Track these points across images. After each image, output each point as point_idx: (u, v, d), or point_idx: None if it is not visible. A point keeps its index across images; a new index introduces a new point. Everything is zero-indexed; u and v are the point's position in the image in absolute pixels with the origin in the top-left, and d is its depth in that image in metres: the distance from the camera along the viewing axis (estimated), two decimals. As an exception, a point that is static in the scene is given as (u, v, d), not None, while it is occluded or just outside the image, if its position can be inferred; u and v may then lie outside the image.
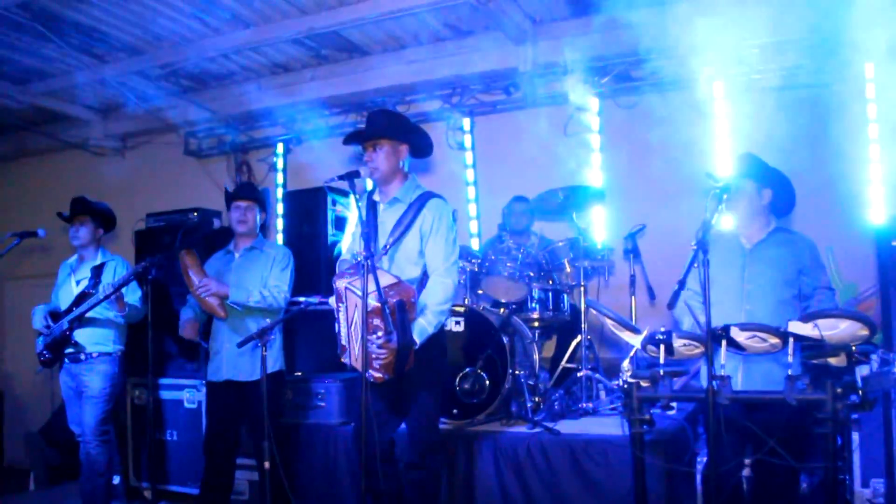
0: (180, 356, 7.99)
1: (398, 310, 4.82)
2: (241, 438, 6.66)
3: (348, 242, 5.78)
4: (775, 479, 5.07)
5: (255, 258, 6.65)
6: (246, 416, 6.50)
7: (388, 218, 5.33)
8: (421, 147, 5.59)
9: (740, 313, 5.19)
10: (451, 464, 6.41)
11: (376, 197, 5.46)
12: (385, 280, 4.93)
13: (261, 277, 6.51)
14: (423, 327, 5.08)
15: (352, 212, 5.77)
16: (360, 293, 4.79)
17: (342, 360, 5.25)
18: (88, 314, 6.74)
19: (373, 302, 4.81)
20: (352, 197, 5.33)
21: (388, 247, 5.25)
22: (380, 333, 4.85)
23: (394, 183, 5.44)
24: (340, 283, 5.09)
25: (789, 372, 4.57)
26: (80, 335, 6.87)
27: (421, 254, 5.30)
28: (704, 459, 5.74)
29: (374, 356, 4.91)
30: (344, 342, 5.16)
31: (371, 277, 4.71)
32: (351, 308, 4.96)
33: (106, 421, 7.00)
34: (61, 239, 7.52)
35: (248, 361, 6.30)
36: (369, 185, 5.78)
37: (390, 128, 5.39)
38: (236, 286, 6.38)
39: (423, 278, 5.33)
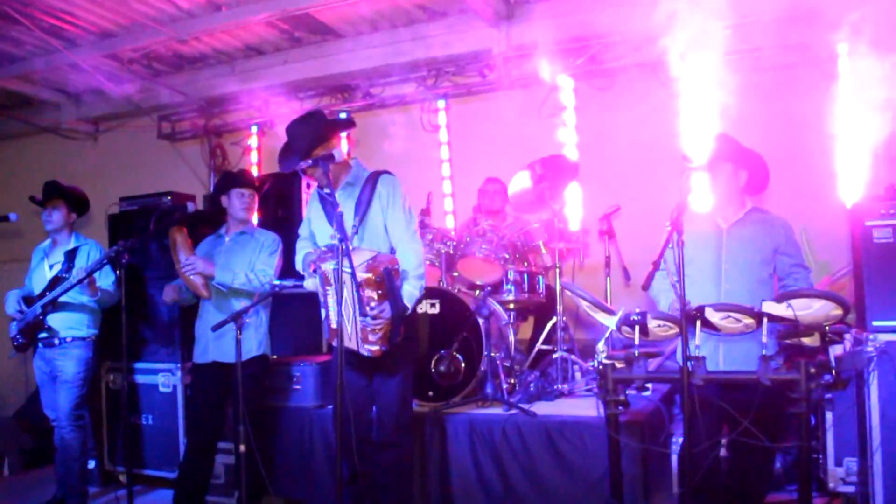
0: (155, 340, 7.94)
1: (387, 277, 4.98)
2: (224, 422, 6.66)
3: (306, 234, 5.85)
4: (750, 459, 5.10)
5: (245, 242, 6.65)
6: (230, 397, 6.49)
7: (346, 202, 5.39)
8: (346, 127, 5.70)
9: (719, 293, 5.20)
10: (426, 446, 6.43)
11: (326, 190, 5.46)
12: (363, 255, 5.04)
13: (248, 262, 6.51)
14: (410, 292, 5.27)
15: (310, 203, 5.77)
16: (349, 270, 4.85)
17: (332, 343, 5.27)
18: (62, 298, 6.71)
19: (362, 274, 4.93)
20: (312, 188, 5.41)
21: (356, 227, 5.34)
22: (373, 304, 4.97)
23: (342, 172, 5.54)
24: (326, 266, 5.11)
25: (763, 352, 4.59)
26: (54, 319, 6.84)
27: (385, 228, 5.45)
28: (680, 440, 5.76)
29: (369, 329, 5.01)
30: (334, 324, 5.15)
31: (355, 252, 4.86)
32: (343, 290, 4.95)
33: (80, 405, 6.98)
34: (34, 223, 7.46)
35: (231, 343, 6.28)
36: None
37: (315, 137, 5.38)
38: (223, 267, 6.38)
39: (391, 251, 5.46)
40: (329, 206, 5.39)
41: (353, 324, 5.07)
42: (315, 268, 5.24)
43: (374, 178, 5.50)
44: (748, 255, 5.26)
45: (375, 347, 5.07)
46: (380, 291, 5.00)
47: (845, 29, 7.34)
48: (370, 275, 4.93)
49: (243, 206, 6.69)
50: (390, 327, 5.09)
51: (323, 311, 5.35)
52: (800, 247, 5.44)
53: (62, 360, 6.89)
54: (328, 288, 5.19)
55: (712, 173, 5.34)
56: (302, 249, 5.76)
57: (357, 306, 4.97)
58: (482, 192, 8.50)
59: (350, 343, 5.14)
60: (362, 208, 5.42)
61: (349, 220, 5.30)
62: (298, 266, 5.69)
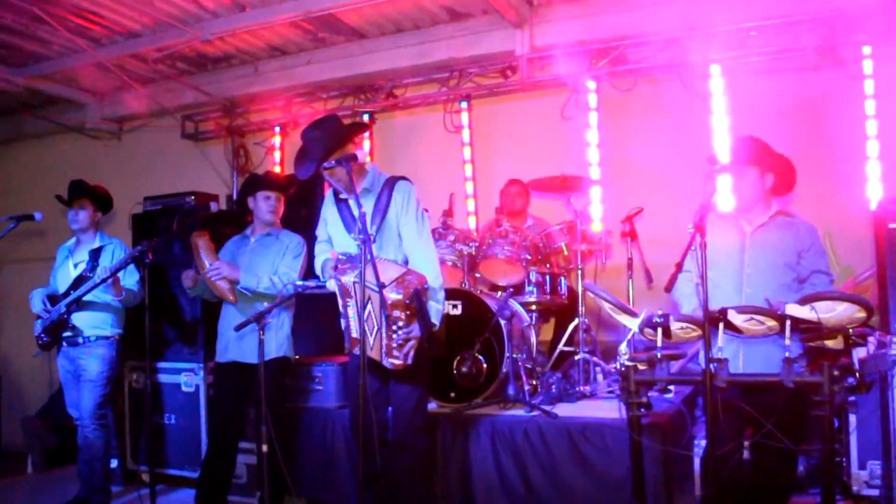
0: (178, 340, 7.98)
1: (417, 298, 4.97)
2: (245, 422, 6.68)
3: (325, 236, 5.83)
4: (773, 462, 5.08)
5: (270, 244, 6.68)
6: (252, 398, 6.53)
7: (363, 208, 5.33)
8: (361, 130, 5.70)
9: (740, 297, 5.16)
10: (447, 447, 6.44)
11: (342, 195, 5.49)
12: (393, 270, 5.03)
13: (272, 264, 6.53)
14: (436, 308, 5.31)
15: (326, 206, 5.78)
16: (376, 288, 4.83)
17: (353, 352, 5.28)
18: (86, 298, 6.75)
19: (392, 294, 4.90)
20: (329, 193, 5.45)
21: (374, 235, 5.30)
22: (400, 323, 4.97)
23: (358, 178, 5.50)
24: (346, 279, 5.10)
25: (787, 354, 4.57)
26: (78, 319, 6.88)
27: (400, 235, 5.44)
28: (703, 442, 5.74)
29: (395, 345, 5.01)
30: (355, 335, 5.16)
31: (379, 267, 4.78)
32: (364, 300, 4.94)
33: (104, 405, 7.01)
34: (58, 222, 7.50)
35: (252, 343, 6.29)
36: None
37: (332, 143, 5.38)
38: (247, 271, 6.41)
39: (406, 259, 5.46)
40: (347, 211, 5.41)
41: (376, 337, 5.08)
42: (335, 276, 5.24)
43: (392, 183, 5.49)
44: (771, 259, 5.21)
45: (399, 361, 5.06)
46: (408, 312, 4.99)
47: (870, 30, 7.32)
48: (400, 296, 4.92)
49: (269, 209, 6.70)
50: (418, 344, 5.10)
51: (343, 322, 5.33)
52: (825, 252, 5.36)
53: (86, 360, 6.92)
54: (348, 300, 5.17)
55: (737, 176, 5.31)
56: (321, 254, 5.75)
57: (383, 319, 4.97)
58: (504, 193, 8.50)
59: (372, 353, 5.13)
60: (379, 215, 5.40)
61: (367, 225, 5.28)
62: (318, 270, 5.69)
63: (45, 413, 9.39)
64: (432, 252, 5.51)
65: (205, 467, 6.59)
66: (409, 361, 5.09)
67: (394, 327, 4.98)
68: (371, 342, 5.10)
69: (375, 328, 5.05)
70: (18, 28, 8.51)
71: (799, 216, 5.42)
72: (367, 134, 9.50)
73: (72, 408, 7.09)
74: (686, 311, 5.35)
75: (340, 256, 5.31)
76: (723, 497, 4.95)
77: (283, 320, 6.60)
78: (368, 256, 4.68)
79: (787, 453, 4.87)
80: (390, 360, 5.06)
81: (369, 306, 4.97)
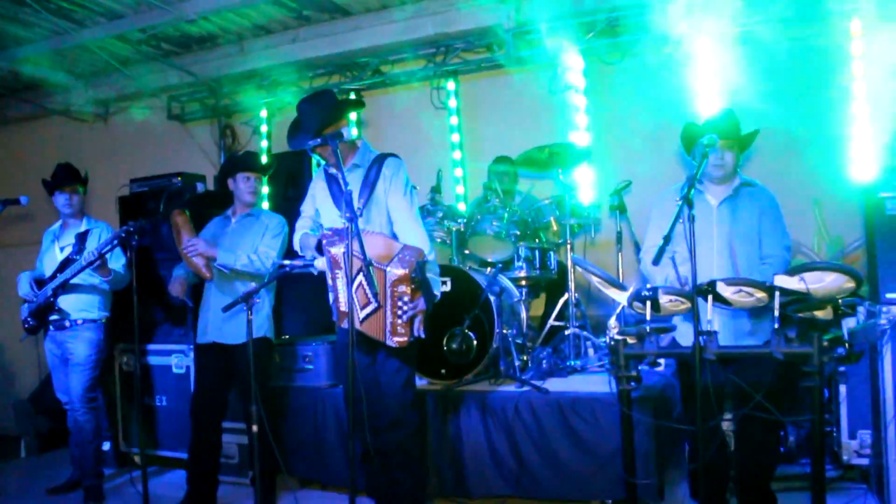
0: (167, 321, 7.98)
1: (420, 270, 5.01)
2: (228, 402, 6.68)
3: (310, 212, 5.85)
4: (756, 433, 5.11)
5: (250, 225, 6.66)
6: (234, 379, 6.53)
7: (352, 183, 5.34)
8: (356, 107, 5.73)
9: (711, 270, 5.17)
10: (438, 424, 6.44)
11: (332, 170, 5.48)
12: (381, 242, 5.12)
13: (252, 244, 6.50)
14: (434, 280, 5.34)
15: (315, 182, 5.79)
16: (380, 265, 4.96)
17: (342, 325, 5.28)
18: (73, 281, 6.72)
19: (396, 270, 4.94)
20: (319, 167, 5.48)
21: (360, 208, 5.30)
22: (406, 298, 5.01)
23: (349, 153, 5.57)
24: (336, 250, 5.09)
25: (776, 326, 4.57)
26: (65, 302, 6.86)
27: (388, 210, 5.47)
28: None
29: (400, 323, 5.04)
30: (344, 308, 5.16)
31: (366, 240, 4.84)
32: (353, 272, 4.93)
33: (93, 388, 7.00)
34: (45, 206, 7.47)
35: (232, 324, 6.31)
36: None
37: (325, 118, 5.42)
38: (226, 249, 6.38)
39: (394, 235, 5.47)
40: (336, 186, 5.40)
41: (372, 314, 5.12)
42: (324, 251, 5.23)
43: (381, 160, 5.52)
44: (738, 231, 5.28)
45: (403, 339, 5.10)
46: (413, 286, 5.01)
47: (859, 5, 7.30)
48: (405, 271, 4.94)
49: (249, 190, 6.69)
50: (423, 318, 5.13)
51: (331, 295, 5.34)
52: (781, 219, 5.41)
53: (73, 343, 6.90)
54: (337, 271, 5.17)
55: (720, 150, 5.29)
56: (300, 229, 5.78)
57: (368, 288, 4.96)
58: (494, 170, 8.46)
59: (362, 328, 5.15)
60: (367, 190, 5.42)
61: (354, 202, 5.27)
62: (296, 245, 5.73)
63: (36, 397, 9.38)
64: (422, 227, 5.53)
65: (191, 450, 6.59)
66: (412, 339, 5.13)
67: (399, 303, 5.01)
68: (360, 316, 5.12)
69: (373, 305, 5.06)
70: (0, 11, 8.45)
71: (759, 184, 5.44)
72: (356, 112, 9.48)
73: (60, 392, 7.08)
74: (660, 282, 5.35)
75: (327, 231, 5.29)
76: (709, 469, 4.98)
77: (265, 301, 6.59)
78: (354, 231, 4.69)
79: (769, 424, 4.88)
80: (395, 338, 5.09)
81: (360, 277, 4.98)
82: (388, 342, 5.13)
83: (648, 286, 4.97)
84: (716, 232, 5.30)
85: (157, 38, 9.50)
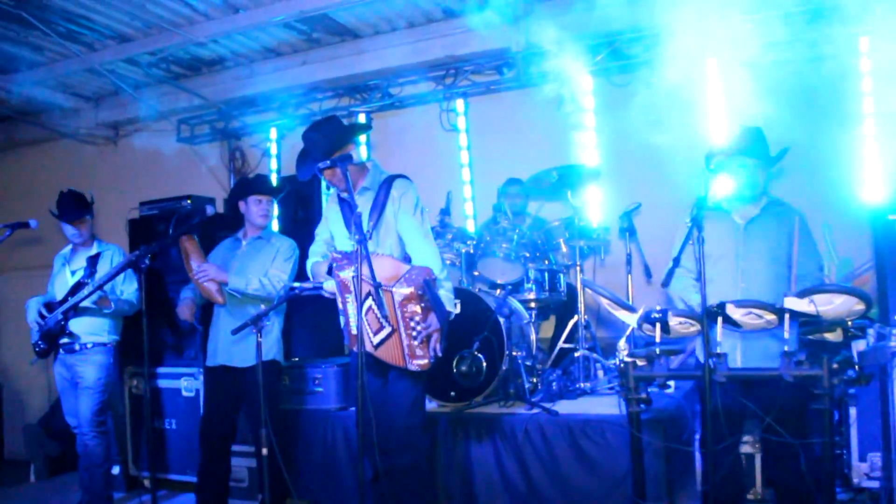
0: (177, 344, 7.98)
1: (428, 288, 4.99)
2: (237, 425, 6.68)
3: (325, 235, 5.84)
4: (778, 456, 5.08)
5: (261, 248, 6.68)
6: (243, 402, 6.54)
7: (363, 205, 5.36)
8: (362, 130, 5.77)
9: (736, 291, 5.17)
10: (448, 446, 6.43)
11: (344, 194, 5.47)
12: (390, 264, 5.11)
13: (263, 267, 6.52)
14: (447, 297, 5.28)
15: (329, 205, 5.80)
16: (387, 287, 4.95)
17: (353, 349, 5.26)
18: (83, 304, 6.71)
19: (403, 289, 4.94)
20: (332, 191, 5.49)
21: (370, 231, 5.30)
22: (417, 318, 4.98)
23: (359, 176, 5.57)
24: (345, 275, 5.10)
25: (786, 348, 4.56)
26: (75, 325, 6.85)
27: (398, 232, 5.45)
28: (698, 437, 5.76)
29: (417, 344, 5.03)
30: (355, 332, 5.14)
31: (375, 262, 4.85)
32: (363, 296, 4.93)
33: (102, 412, 6.99)
34: (55, 229, 7.46)
35: (242, 347, 6.31)
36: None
37: (332, 144, 5.41)
38: (237, 273, 6.40)
39: (405, 257, 5.46)
40: (347, 209, 5.40)
41: (387, 339, 5.13)
42: (333, 274, 5.23)
43: (390, 181, 5.50)
44: (765, 252, 5.24)
45: (424, 361, 5.08)
46: (423, 304, 4.99)
47: (867, 22, 7.30)
48: (412, 289, 4.93)
49: (261, 213, 6.70)
50: (440, 336, 5.10)
51: (342, 319, 5.34)
52: (812, 238, 5.38)
53: (83, 367, 6.90)
54: (347, 296, 5.17)
55: (738, 168, 5.28)
56: (313, 255, 5.78)
57: (379, 311, 4.97)
58: (502, 193, 8.46)
59: (374, 352, 5.16)
60: (377, 212, 5.41)
61: (364, 224, 5.27)
62: (309, 273, 5.72)
63: (46, 421, 9.37)
64: (435, 247, 5.50)
65: (200, 473, 6.59)
66: (440, 353, 5.11)
67: (412, 324, 5.00)
68: (374, 341, 5.13)
69: (386, 330, 5.07)
70: (10, 34, 8.50)
71: (788, 203, 5.42)
72: (366, 134, 9.50)
73: (70, 416, 7.07)
74: (682, 306, 5.34)
75: (336, 255, 5.30)
76: (722, 492, 4.95)
77: (274, 324, 6.60)
78: (364, 255, 4.70)
79: (790, 447, 4.85)
80: (415, 361, 5.08)
81: (369, 301, 4.99)
82: (410, 367, 5.12)
83: (659, 307, 4.96)
84: (741, 253, 5.28)
85: (167, 60, 9.55)
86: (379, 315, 4.98)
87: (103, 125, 11.18)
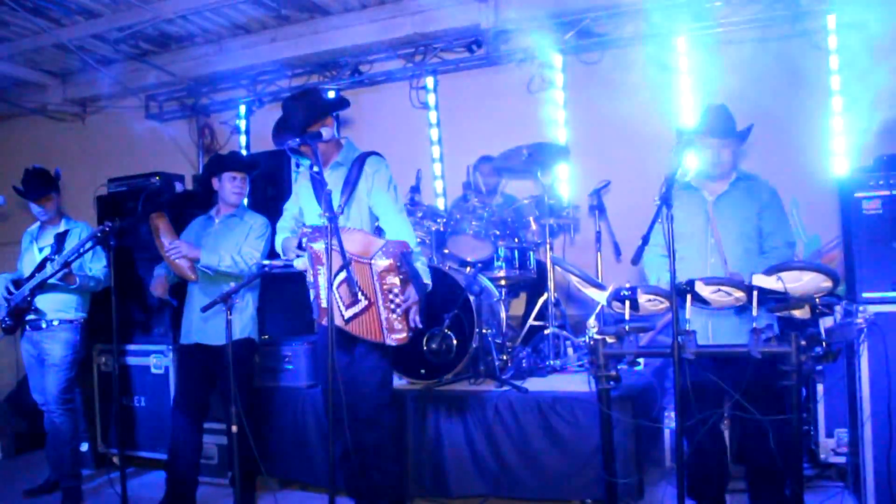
0: (146, 322, 7.94)
1: (406, 260, 5.03)
2: (209, 403, 6.65)
3: (294, 211, 5.84)
4: (747, 433, 5.13)
5: (234, 225, 6.63)
6: (217, 379, 6.50)
7: (334, 181, 5.37)
8: (342, 106, 5.99)
9: (706, 268, 5.19)
10: (418, 424, 6.44)
11: (315, 168, 5.44)
12: (361, 237, 5.12)
13: (236, 244, 6.47)
14: (423, 269, 5.35)
15: (300, 180, 5.79)
16: (364, 260, 4.98)
17: (322, 322, 5.25)
18: (50, 280, 6.66)
19: (382, 261, 4.93)
20: (302, 166, 5.48)
21: (342, 206, 5.32)
22: (396, 290, 4.99)
23: (333, 151, 5.58)
24: (318, 246, 5.08)
25: (754, 325, 4.58)
26: (42, 302, 6.79)
27: (370, 208, 5.48)
28: (672, 414, 5.77)
29: (395, 317, 5.03)
30: (325, 304, 5.15)
31: (346, 236, 4.89)
32: (335, 270, 4.94)
33: (69, 389, 6.93)
34: (22, 206, 7.41)
35: (215, 325, 6.26)
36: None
37: (310, 115, 5.42)
38: (209, 250, 6.36)
39: (380, 230, 5.49)
40: (318, 185, 5.38)
41: (364, 313, 5.11)
42: (305, 247, 5.22)
43: (362, 158, 5.51)
44: (734, 228, 5.25)
45: (402, 335, 5.09)
46: (401, 276, 4.99)
47: (834, 1, 7.34)
48: (391, 260, 4.92)
49: (235, 190, 6.64)
50: (419, 308, 5.12)
51: (312, 292, 5.33)
52: (783, 213, 5.41)
53: (49, 343, 6.85)
54: (319, 267, 5.16)
55: (706, 147, 5.30)
56: (282, 230, 5.77)
57: (350, 285, 4.97)
58: (476, 170, 8.46)
59: (345, 326, 5.16)
60: (349, 188, 5.41)
61: (336, 200, 5.27)
62: (278, 248, 5.72)
63: (13, 398, 9.31)
64: (408, 221, 5.56)
65: (172, 450, 6.54)
66: (411, 333, 5.12)
67: (390, 296, 5.00)
68: (346, 315, 5.13)
69: (361, 304, 5.08)
70: (-25, 10, 8.42)
71: (758, 177, 5.44)
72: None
73: (36, 393, 7.02)
74: (653, 282, 5.37)
75: (306, 229, 5.28)
76: (693, 468, 4.99)
77: (248, 301, 6.57)
78: (334, 230, 4.72)
79: (760, 424, 4.88)
80: (393, 335, 5.09)
81: (342, 274, 4.98)
82: (388, 341, 5.12)
83: (628, 285, 4.97)
84: (711, 228, 5.30)
85: (136, 37, 9.47)
86: (352, 288, 4.98)
87: (71, 101, 11.09)
